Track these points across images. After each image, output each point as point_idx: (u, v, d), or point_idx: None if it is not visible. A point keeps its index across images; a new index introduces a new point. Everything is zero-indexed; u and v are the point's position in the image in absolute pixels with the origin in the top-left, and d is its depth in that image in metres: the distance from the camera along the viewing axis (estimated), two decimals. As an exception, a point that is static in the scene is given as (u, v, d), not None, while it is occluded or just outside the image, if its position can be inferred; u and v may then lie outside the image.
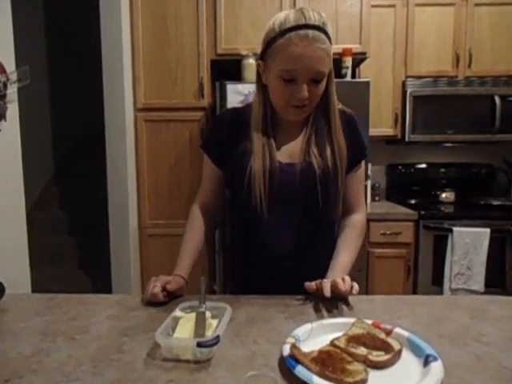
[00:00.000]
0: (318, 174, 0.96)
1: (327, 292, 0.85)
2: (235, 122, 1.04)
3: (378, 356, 0.65)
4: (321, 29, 0.87)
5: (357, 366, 0.61)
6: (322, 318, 0.81)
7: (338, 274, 0.96)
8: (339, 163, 0.98)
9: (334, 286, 0.87)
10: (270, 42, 0.90)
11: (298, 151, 0.99)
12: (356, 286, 0.87)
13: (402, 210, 2.49)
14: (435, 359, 0.62)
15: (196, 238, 1.07)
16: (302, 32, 0.85)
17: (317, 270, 0.99)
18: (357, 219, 1.07)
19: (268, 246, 1.01)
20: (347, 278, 0.88)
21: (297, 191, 0.98)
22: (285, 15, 0.89)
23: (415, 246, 2.37)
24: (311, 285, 0.90)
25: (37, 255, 2.20)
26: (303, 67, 0.87)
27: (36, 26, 3.57)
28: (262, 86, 0.99)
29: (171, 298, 0.93)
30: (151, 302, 0.91)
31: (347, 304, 0.89)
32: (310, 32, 0.85)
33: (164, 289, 0.91)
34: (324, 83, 0.94)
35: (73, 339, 0.75)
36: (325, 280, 0.90)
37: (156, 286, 0.91)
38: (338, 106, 1.03)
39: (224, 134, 1.04)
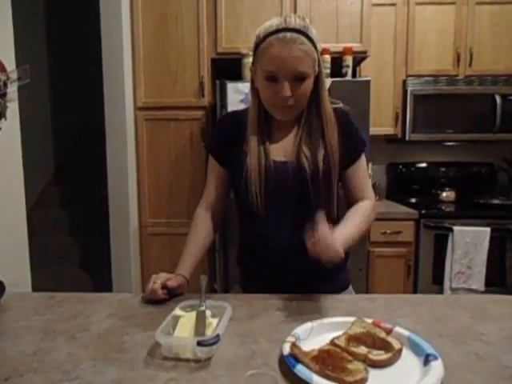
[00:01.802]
0: (308, 173, 0.97)
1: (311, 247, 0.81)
2: (235, 124, 1.08)
3: (378, 355, 0.65)
4: (301, 31, 0.91)
5: (357, 365, 0.61)
6: (322, 316, 0.81)
7: (339, 240, 0.89)
8: (331, 161, 0.98)
9: (320, 244, 0.81)
10: (256, 47, 0.96)
11: (290, 149, 1.01)
12: (338, 257, 0.82)
13: (402, 209, 2.49)
14: (435, 358, 0.62)
15: (199, 238, 1.09)
16: (280, 34, 0.91)
17: (317, 267, 0.99)
18: (364, 203, 1.04)
19: (266, 242, 1.03)
20: (332, 250, 0.81)
21: (290, 189, 1.00)
22: (270, 22, 0.95)
23: (415, 245, 2.37)
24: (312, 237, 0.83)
25: (37, 254, 2.20)
26: (282, 67, 0.91)
27: (36, 24, 3.56)
28: (255, 90, 1.03)
29: (171, 296, 0.93)
30: (151, 301, 0.91)
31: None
32: (288, 34, 0.91)
33: (164, 286, 0.92)
34: (308, 83, 0.95)
35: (73, 338, 0.75)
36: (324, 230, 0.83)
37: (156, 283, 0.91)
38: (338, 105, 1.04)
39: (226, 135, 1.08)
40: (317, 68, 0.97)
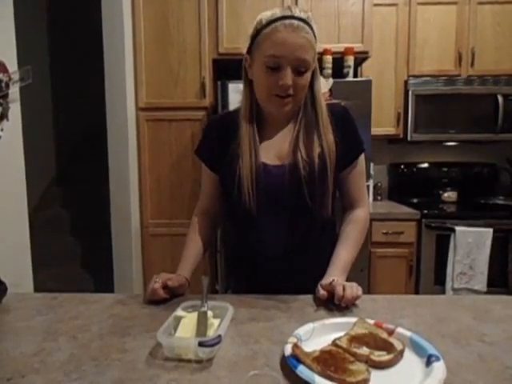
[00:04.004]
0: (303, 176, 0.95)
1: (341, 301, 0.86)
2: (223, 126, 1.06)
3: (380, 356, 0.65)
4: (305, 22, 0.91)
5: (359, 366, 0.61)
6: (323, 317, 0.81)
7: (339, 271, 0.96)
8: (328, 161, 0.97)
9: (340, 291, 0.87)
10: (256, 33, 0.94)
11: (286, 151, 0.99)
12: (360, 294, 0.88)
13: (404, 209, 2.49)
14: (438, 359, 0.62)
15: (198, 241, 1.08)
16: (287, 21, 0.90)
17: (311, 270, 0.99)
18: (359, 214, 1.06)
19: (259, 245, 1.01)
20: (354, 285, 0.89)
21: (285, 192, 0.98)
22: (272, 11, 0.94)
23: (417, 246, 2.37)
24: (324, 294, 0.89)
25: (39, 255, 2.20)
26: (287, 53, 0.90)
27: (38, 25, 3.57)
28: (248, 82, 1.00)
29: (172, 296, 0.93)
30: (153, 301, 0.91)
31: (352, 304, 0.89)
32: (295, 22, 0.90)
33: (165, 286, 0.92)
34: (308, 76, 0.94)
35: (75, 338, 0.75)
36: (335, 282, 0.89)
37: (156, 282, 0.91)
38: (340, 102, 1.03)
39: (215, 138, 1.06)
40: (314, 63, 0.96)
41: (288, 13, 0.91)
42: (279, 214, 0.99)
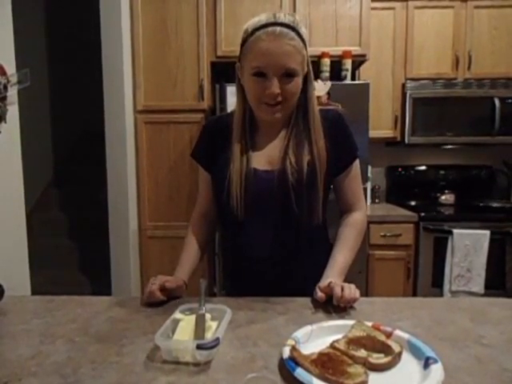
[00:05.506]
0: (291, 182, 0.95)
1: (340, 301, 0.86)
2: (219, 129, 1.06)
3: (378, 358, 0.65)
4: (290, 27, 0.89)
5: (357, 369, 0.61)
6: (321, 319, 0.81)
7: (337, 273, 0.96)
8: (318, 168, 0.96)
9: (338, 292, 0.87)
10: (243, 42, 0.94)
11: (276, 157, 0.99)
12: (358, 296, 0.87)
13: (401, 211, 2.49)
14: (435, 361, 0.62)
15: (196, 244, 1.08)
16: (269, 29, 0.88)
17: (299, 275, 1.00)
18: (356, 217, 1.06)
19: (246, 248, 1.01)
20: (353, 287, 0.88)
21: (273, 197, 0.97)
22: (258, 17, 0.92)
23: (415, 248, 2.37)
24: (322, 296, 0.89)
25: (36, 257, 2.19)
26: (271, 62, 0.89)
27: (36, 27, 3.57)
28: (241, 89, 1.00)
29: (170, 298, 0.93)
30: (150, 303, 0.91)
31: (350, 306, 0.89)
32: (278, 28, 0.88)
33: (163, 287, 0.91)
34: (297, 81, 0.93)
35: (72, 341, 0.74)
36: (334, 283, 0.89)
37: (154, 284, 0.91)
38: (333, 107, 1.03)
39: (210, 141, 1.07)
40: (306, 67, 0.95)
41: (272, 19, 0.89)
42: (266, 219, 0.99)
